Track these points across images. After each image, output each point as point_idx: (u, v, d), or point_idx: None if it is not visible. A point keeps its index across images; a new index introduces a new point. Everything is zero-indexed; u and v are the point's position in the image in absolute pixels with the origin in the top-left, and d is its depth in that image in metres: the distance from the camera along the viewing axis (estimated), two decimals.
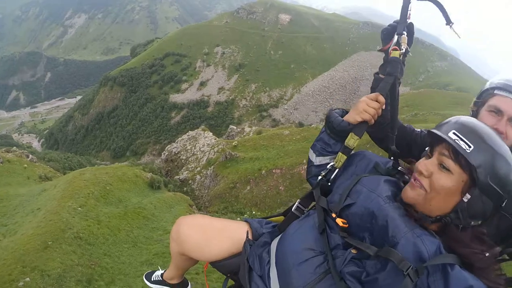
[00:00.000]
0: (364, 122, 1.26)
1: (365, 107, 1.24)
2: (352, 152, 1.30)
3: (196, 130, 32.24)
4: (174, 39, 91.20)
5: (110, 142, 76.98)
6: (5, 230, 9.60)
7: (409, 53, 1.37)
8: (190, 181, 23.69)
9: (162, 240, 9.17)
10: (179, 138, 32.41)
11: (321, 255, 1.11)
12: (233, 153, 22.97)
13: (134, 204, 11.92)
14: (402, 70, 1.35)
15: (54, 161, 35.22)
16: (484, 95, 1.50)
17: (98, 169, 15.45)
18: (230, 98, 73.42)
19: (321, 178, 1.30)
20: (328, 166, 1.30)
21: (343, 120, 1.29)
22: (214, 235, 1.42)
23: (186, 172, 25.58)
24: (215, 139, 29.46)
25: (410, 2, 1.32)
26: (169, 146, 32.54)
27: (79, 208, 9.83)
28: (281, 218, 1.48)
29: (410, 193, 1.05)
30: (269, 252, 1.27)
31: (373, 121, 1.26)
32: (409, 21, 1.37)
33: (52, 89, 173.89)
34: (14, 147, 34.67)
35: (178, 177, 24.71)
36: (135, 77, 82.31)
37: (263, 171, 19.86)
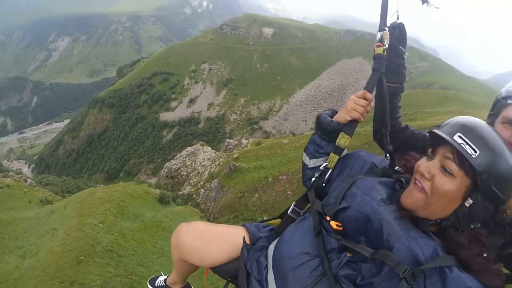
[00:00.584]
0: (353, 121, 1.26)
1: (354, 105, 1.25)
2: (344, 151, 1.32)
3: (194, 146, 32.94)
4: (160, 58, 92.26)
5: (102, 164, 76.57)
6: (23, 251, 9.87)
7: (406, 53, 1.44)
8: (194, 196, 24.30)
9: None
10: (178, 155, 33.06)
11: (316, 258, 1.12)
12: (237, 164, 23.76)
13: (149, 218, 12.38)
14: (404, 66, 1.43)
15: (51, 185, 35.11)
16: (498, 106, 1.45)
17: (108, 188, 15.97)
18: (220, 113, 74.39)
19: (315, 180, 1.31)
20: (321, 167, 1.31)
21: (332, 120, 1.30)
22: (212, 241, 1.45)
23: (189, 187, 26.20)
24: (215, 153, 30.25)
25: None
26: (168, 163, 33.10)
27: (100, 224, 10.25)
28: (278, 221, 1.50)
29: (409, 199, 1.03)
30: (266, 256, 1.29)
31: (362, 119, 1.27)
32: (398, 21, 1.43)
33: (39, 114, 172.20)
34: (11, 172, 34.61)
35: (181, 192, 25.24)
36: (124, 97, 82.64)
37: (270, 179, 20.61)
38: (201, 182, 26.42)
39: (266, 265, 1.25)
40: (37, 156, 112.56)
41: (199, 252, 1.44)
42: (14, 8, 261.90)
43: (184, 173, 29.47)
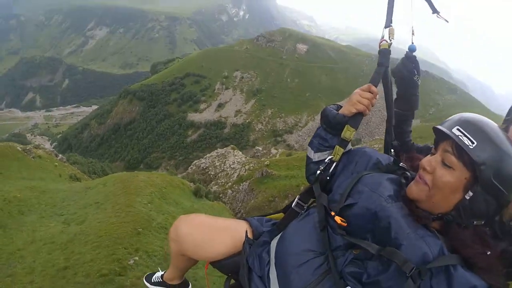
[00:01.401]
0: (359, 114, 1.27)
1: (359, 98, 1.26)
2: (349, 146, 1.32)
3: (225, 148, 34.04)
4: (195, 60, 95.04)
5: (125, 153, 78.68)
6: (64, 218, 10.05)
7: (419, 79, 1.51)
8: (221, 195, 25.15)
9: None
10: (208, 155, 34.16)
11: (321, 256, 1.11)
12: (269, 171, 24.65)
13: (189, 207, 12.59)
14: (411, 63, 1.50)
15: (78, 163, 36.12)
16: None
17: (149, 174, 16.35)
18: (247, 121, 75.58)
19: (319, 172, 1.30)
20: (326, 160, 1.30)
21: (338, 113, 1.31)
22: (214, 234, 1.42)
23: (216, 186, 27.11)
24: (245, 157, 31.17)
25: (414, 50, 1.40)
26: (197, 161, 34.20)
27: (149, 204, 10.39)
28: (281, 215, 1.50)
29: (414, 189, 1.04)
30: (268, 252, 1.27)
31: (367, 111, 1.28)
32: (410, 45, 1.49)
33: (68, 96, 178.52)
34: (42, 145, 35.24)
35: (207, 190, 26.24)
36: (155, 93, 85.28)
37: (301, 187, 21.16)
38: (229, 183, 27.32)
39: (268, 261, 1.24)
40: (60, 135, 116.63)
41: (199, 245, 1.42)
42: None
43: (212, 173, 30.45)
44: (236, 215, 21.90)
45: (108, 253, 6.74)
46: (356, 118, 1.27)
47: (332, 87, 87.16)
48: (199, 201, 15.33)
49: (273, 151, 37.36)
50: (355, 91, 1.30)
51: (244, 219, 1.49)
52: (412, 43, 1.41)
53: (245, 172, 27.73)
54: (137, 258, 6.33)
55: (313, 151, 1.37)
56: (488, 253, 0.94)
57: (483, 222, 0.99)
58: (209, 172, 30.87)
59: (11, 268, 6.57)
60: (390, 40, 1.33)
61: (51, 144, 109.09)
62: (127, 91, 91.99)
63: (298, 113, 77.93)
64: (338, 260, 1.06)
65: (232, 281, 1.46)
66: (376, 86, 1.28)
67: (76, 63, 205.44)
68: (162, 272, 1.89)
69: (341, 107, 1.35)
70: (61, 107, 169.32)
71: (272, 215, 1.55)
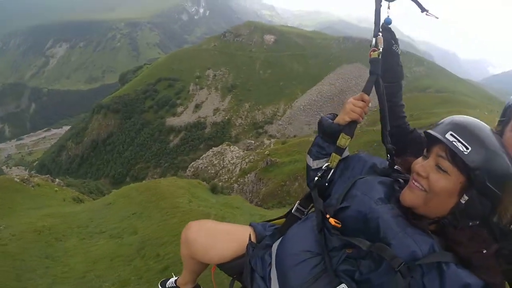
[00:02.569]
0: (353, 122, 1.32)
1: (352, 107, 1.30)
2: (346, 152, 1.38)
3: (220, 146, 34.72)
4: (164, 64, 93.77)
5: (108, 169, 77.09)
6: (108, 234, 10.13)
7: (398, 48, 1.51)
8: (228, 190, 25.97)
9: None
10: (204, 155, 34.73)
11: (317, 256, 1.14)
12: (273, 159, 25.66)
13: (215, 202, 12.96)
14: (402, 66, 1.52)
15: (73, 186, 35.58)
16: (508, 113, 1.42)
17: (166, 179, 16.48)
18: (226, 118, 75.89)
19: (317, 179, 1.36)
20: (323, 167, 1.36)
21: (333, 122, 1.37)
22: (220, 238, 1.51)
23: (221, 183, 27.69)
24: (243, 151, 31.91)
25: (381, 6, 1.43)
26: (193, 162, 34.61)
27: (191, 203, 10.85)
28: (283, 220, 1.54)
29: (408, 196, 1.05)
30: (270, 254, 1.32)
31: (361, 119, 1.32)
32: (386, 18, 1.48)
33: (37, 120, 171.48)
34: (36, 173, 34.21)
35: None
36: (129, 103, 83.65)
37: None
38: (234, 178, 28.21)
39: (270, 263, 1.29)
40: (37, 162, 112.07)
41: (207, 249, 1.51)
42: (11, 15, 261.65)
43: (212, 171, 31.05)
44: (251, 203, 22.77)
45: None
46: (350, 126, 1.32)
47: (304, 73, 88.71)
48: (219, 197, 15.93)
49: (266, 141, 38.28)
50: (348, 100, 1.35)
51: (250, 224, 1.59)
52: (388, 16, 1.48)
53: (246, 165, 28.67)
54: None
55: (311, 159, 1.44)
56: (484, 251, 0.94)
57: (477, 222, 1.00)
58: (210, 171, 31.50)
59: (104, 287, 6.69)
60: (379, 49, 1.37)
61: (28, 173, 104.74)
62: (100, 105, 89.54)
63: (275, 103, 79.04)
64: (333, 259, 1.11)
65: (238, 284, 1.55)
66: (368, 95, 1.33)
67: (40, 85, 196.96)
68: (176, 278, 2.01)
69: (336, 115, 1.41)
70: (31, 133, 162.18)
71: (275, 221, 1.63)
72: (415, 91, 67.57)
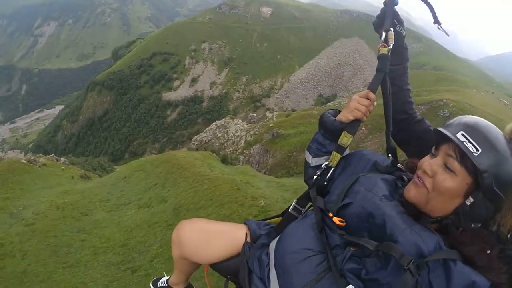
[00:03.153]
0: (356, 120, 1.27)
1: (356, 105, 1.26)
2: (347, 150, 1.33)
3: (223, 119, 34.96)
4: (159, 38, 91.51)
5: (106, 146, 76.89)
6: (136, 205, 10.47)
7: (403, 29, 1.42)
8: (235, 162, 26.47)
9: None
10: (208, 128, 34.83)
11: (320, 254, 1.11)
12: (279, 131, 26.08)
13: (231, 172, 13.21)
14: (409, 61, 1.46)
15: (77, 164, 35.59)
16: None
17: (180, 152, 16.78)
18: (223, 91, 75.23)
19: (316, 178, 1.31)
20: (323, 166, 1.31)
21: (335, 119, 1.31)
22: (213, 237, 1.46)
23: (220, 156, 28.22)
24: (247, 124, 32.15)
25: (396, 4, 1.38)
26: (197, 136, 34.87)
27: (212, 171, 11.28)
28: (279, 219, 1.50)
29: (412, 192, 1.04)
30: (268, 254, 1.28)
31: (364, 118, 1.27)
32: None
33: (29, 102, 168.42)
34: (39, 154, 34.13)
35: None
36: (124, 79, 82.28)
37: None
38: (239, 150, 28.67)
39: (268, 263, 1.26)
40: (32, 144, 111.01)
41: (199, 248, 1.47)
42: None
43: (217, 144, 31.32)
44: (260, 172, 23.23)
45: (237, 206, 7.74)
46: (354, 125, 1.28)
47: (301, 46, 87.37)
48: (231, 167, 16.01)
49: (269, 114, 38.45)
50: (353, 97, 1.30)
51: (244, 223, 1.55)
52: None
53: (251, 137, 29.09)
54: (262, 202, 7.62)
55: (311, 156, 1.39)
56: (488, 252, 0.94)
57: (479, 225, 1.00)
58: (214, 144, 31.75)
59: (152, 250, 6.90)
60: (390, 45, 1.31)
61: (24, 156, 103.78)
62: (94, 82, 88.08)
63: (272, 76, 78.29)
64: (337, 258, 1.08)
65: (232, 285, 1.52)
66: (374, 93, 1.28)
67: (30, 66, 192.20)
68: (168, 277, 1.96)
69: (339, 112, 1.35)
70: (24, 116, 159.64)
71: (271, 220, 1.60)
72: (413, 68, 67.25)
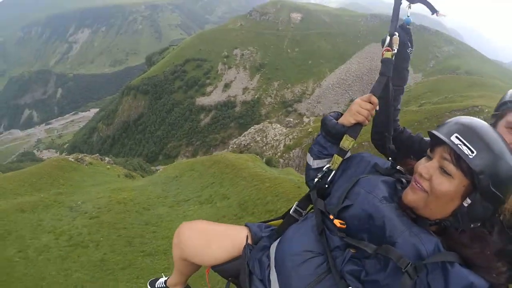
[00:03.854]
0: (358, 124, 1.27)
1: (358, 108, 1.26)
2: (348, 153, 1.33)
3: (262, 124, 35.85)
4: (191, 45, 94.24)
5: (140, 148, 79.61)
6: (196, 201, 10.69)
7: (411, 51, 1.42)
8: (277, 165, 26.99)
9: None
10: (246, 132, 35.77)
11: (320, 256, 1.11)
12: None
13: (281, 173, 13.84)
14: (411, 66, 1.85)
15: (118, 164, 37.42)
16: (502, 108, 1.44)
17: (229, 154, 17.31)
18: (256, 97, 76.33)
19: (317, 180, 1.32)
20: (324, 168, 1.32)
21: (337, 122, 1.31)
22: (214, 239, 1.45)
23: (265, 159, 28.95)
24: (285, 128, 32.84)
25: (401, 3, 1.37)
26: (236, 139, 35.85)
27: (267, 172, 11.74)
28: (280, 221, 1.50)
29: (410, 196, 1.03)
30: (268, 256, 1.28)
31: (367, 122, 1.28)
32: (405, 17, 1.40)
33: (64, 104, 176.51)
34: (84, 154, 35.92)
35: None
36: (158, 84, 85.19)
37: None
38: (278, 154, 29.28)
39: (269, 265, 1.26)
40: (67, 144, 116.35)
41: (200, 250, 1.46)
42: (29, 7, 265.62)
43: (256, 148, 32.16)
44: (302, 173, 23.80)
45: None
46: (355, 129, 1.29)
47: (332, 51, 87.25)
48: (275, 170, 16.52)
49: (305, 119, 39.07)
50: (355, 100, 1.31)
51: (245, 224, 1.54)
52: (408, 16, 1.40)
53: (290, 141, 29.82)
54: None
55: (312, 158, 1.40)
56: (488, 252, 0.94)
57: (479, 224, 1.00)
58: (253, 147, 32.59)
59: None
60: (394, 50, 1.31)
61: (60, 155, 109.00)
62: (129, 87, 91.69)
63: (303, 81, 78.60)
64: (337, 260, 1.08)
65: (233, 286, 1.51)
66: (377, 96, 1.28)
67: (65, 71, 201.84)
68: (166, 278, 1.95)
69: (341, 114, 1.36)
70: (59, 118, 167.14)
71: (272, 222, 1.60)
72: (445, 72, 65.61)
